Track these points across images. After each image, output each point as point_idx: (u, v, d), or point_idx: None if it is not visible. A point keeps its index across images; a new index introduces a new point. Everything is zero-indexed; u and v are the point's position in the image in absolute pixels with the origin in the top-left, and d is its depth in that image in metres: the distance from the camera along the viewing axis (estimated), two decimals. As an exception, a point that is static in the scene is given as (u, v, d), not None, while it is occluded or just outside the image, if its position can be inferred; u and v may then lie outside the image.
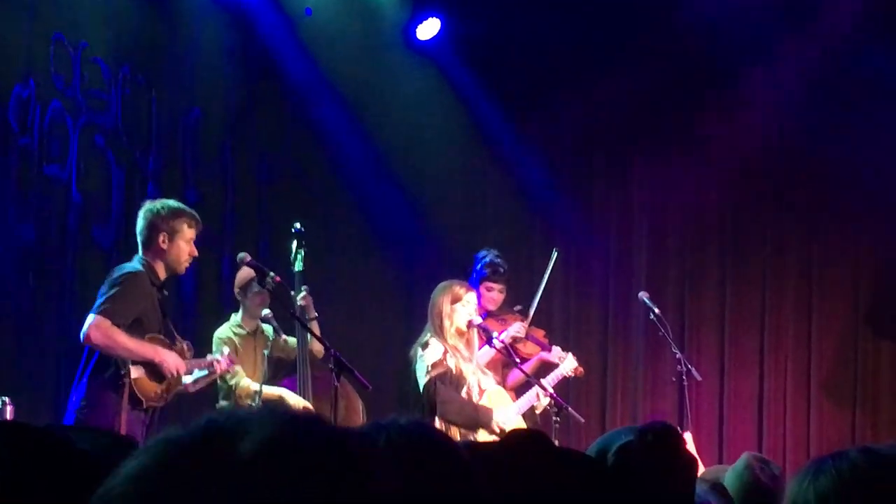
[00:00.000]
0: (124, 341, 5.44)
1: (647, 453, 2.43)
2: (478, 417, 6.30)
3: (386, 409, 7.75)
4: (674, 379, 7.33)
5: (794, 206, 8.78)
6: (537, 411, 6.75)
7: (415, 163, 8.84)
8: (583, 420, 6.55)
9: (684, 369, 7.11)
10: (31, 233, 6.89)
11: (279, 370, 6.53)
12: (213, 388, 6.59)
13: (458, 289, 6.49)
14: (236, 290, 6.70)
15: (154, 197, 7.42)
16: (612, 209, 9.03)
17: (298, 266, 6.47)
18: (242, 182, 8.23)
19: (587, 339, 8.85)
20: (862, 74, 8.37)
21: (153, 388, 5.57)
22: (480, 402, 6.49)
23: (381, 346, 8.36)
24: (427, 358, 6.35)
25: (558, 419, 6.24)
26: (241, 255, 5.98)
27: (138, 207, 5.85)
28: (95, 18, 7.19)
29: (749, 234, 8.80)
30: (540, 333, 7.44)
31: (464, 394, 6.44)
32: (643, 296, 7.50)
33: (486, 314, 7.04)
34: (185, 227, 5.67)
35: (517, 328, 7.12)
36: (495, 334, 6.68)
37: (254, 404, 6.30)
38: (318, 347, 6.34)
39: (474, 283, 7.11)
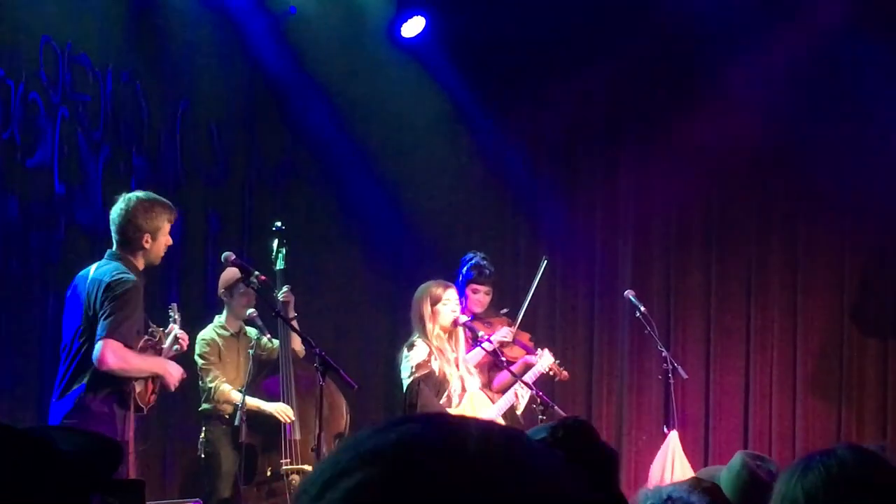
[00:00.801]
0: (138, 363, 5.42)
1: (560, 449, 2.43)
2: None
3: (370, 410, 7.75)
4: (660, 377, 7.33)
5: (779, 203, 8.78)
6: (518, 411, 6.74)
7: (399, 161, 8.82)
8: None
9: (670, 367, 7.12)
10: (16, 224, 6.86)
11: (262, 370, 6.51)
12: (196, 390, 6.58)
13: (436, 289, 6.49)
14: (221, 290, 6.67)
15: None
16: (597, 207, 9.02)
17: (280, 265, 6.46)
18: (226, 180, 8.20)
19: (573, 337, 8.85)
20: (846, 70, 8.38)
21: (150, 392, 5.56)
22: (461, 405, 6.49)
23: (365, 347, 8.36)
24: (412, 358, 6.36)
25: (544, 417, 6.23)
26: (226, 253, 5.96)
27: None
28: (80, 17, 7.15)
29: (734, 231, 8.80)
30: (525, 337, 7.45)
31: (445, 397, 6.44)
32: (629, 294, 7.50)
33: (473, 316, 7.03)
34: (165, 222, 5.56)
35: (504, 333, 7.12)
36: (481, 334, 6.66)
37: (237, 412, 6.29)
38: (299, 347, 6.33)
39: (461, 285, 7.11)
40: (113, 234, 5.55)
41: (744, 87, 8.49)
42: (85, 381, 5.39)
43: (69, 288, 5.62)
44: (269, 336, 6.51)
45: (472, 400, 6.57)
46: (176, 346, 5.72)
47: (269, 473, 6.43)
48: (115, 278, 5.40)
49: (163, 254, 5.63)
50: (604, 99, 8.92)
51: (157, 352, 5.61)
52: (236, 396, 6.39)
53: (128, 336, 5.37)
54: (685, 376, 7.33)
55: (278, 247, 6.52)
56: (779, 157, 8.70)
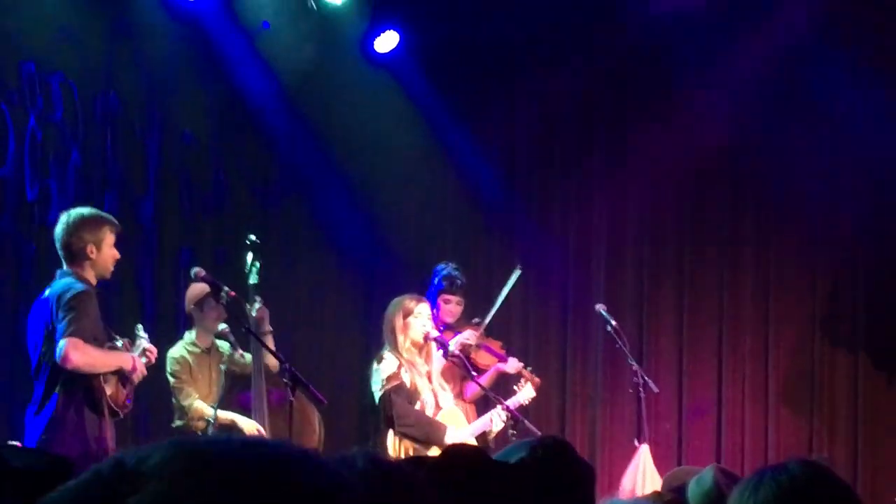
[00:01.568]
0: (101, 356, 5.52)
1: (538, 468, 2.46)
2: (432, 433, 6.28)
3: (344, 423, 7.75)
4: (630, 391, 7.37)
5: (750, 216, 8.83)
6: (490, 436, 6.75)
7: (373, 175, 8.84)
8: (539, 433, 6.54)
9: (641, 381, 7.15)
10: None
11: (234, 385, 6.50)
12: (168, 406, 6.57)
13: (409, 302, 6.49)
14: (190, 306, 6.64)
15: (111, 207, 7.42)
16: (570, 220, 9.05)
17: (253, 279, 6.43)
18: (199, 194, 8.20)
19: (546, 350, 8.87)
20: (814, 77, 8.43)
21: (123, 395, 5.63)
22: (436, 418, 6.49)
23: (339, 361, 8.36)
24: (382, 371, 6.36)
25: (514, 432, 6.25)
26: (195, 269, 5.96)
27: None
28: (48, 33, 7.16)
29: (705, 243, 8.85)
30: (496, 344, 7.46)
31: (417, 408, 6.43)
32: (600, 308, 7.53)
33: (445, 327, 7.04)
34: (108, 234, 5.68)
35: (467, 335, 7.14)
36: (451, 348, 6.67)
37: (209, 427, 6.28)
38: (273, 362, 6.32)
39: (432, 296, 7.13)
40: (59, 252, 5.67)
41: (714, 97, 8.55)
42: (56, 391, 5.47)
43: (30, 313, 5.72)
44: (241, 351, 6.51)
45: (446, 417, 6.58)
46: (144, 359, 5.79)
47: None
48: (64, 289, 5.53)
49: (111, 267, 5.73)
50: (576, 112, 8.97)
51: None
52: (209, 412, 6.38)
53: (88, 335, 5.45)
54: (655, 390, 7.36)
55: (252, 261, 6.50)
56: (749, 171, 8.76)
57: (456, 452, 2.38)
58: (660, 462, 7.47)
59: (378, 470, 1.44)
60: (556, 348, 8.93)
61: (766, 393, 8.67)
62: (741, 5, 8.52)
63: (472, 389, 7.16)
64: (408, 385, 6.39)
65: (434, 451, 6.16)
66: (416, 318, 6.44)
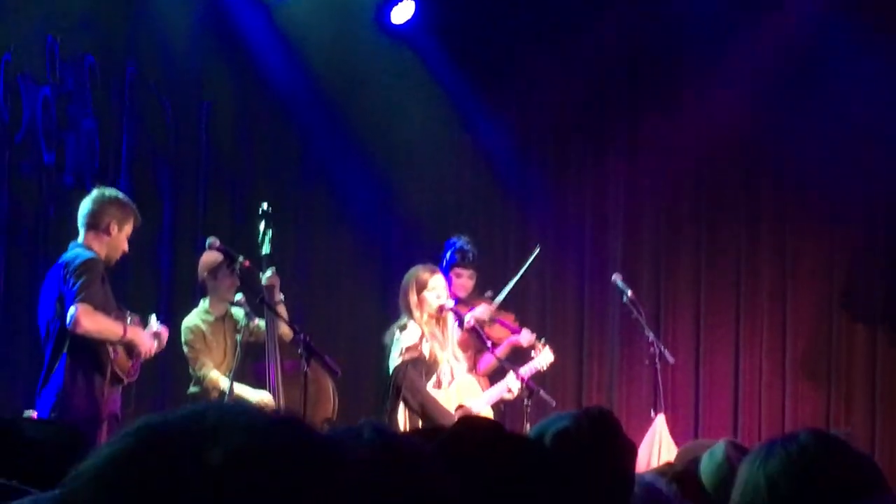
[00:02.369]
0: (109, 324, 5.57)
1: (582, 439, 2.43)
2: (437, 417, 6.20)
3: (360, 393, 7.77)
4: (647, 362, 7.35)
5: (768, 188, 8.80)
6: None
7: (389, 147, 8.83)
8: (554, 403, 6.54)
9: (657, 352, 7.14)
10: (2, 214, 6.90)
11: (248, 355, 6.51)
12: (185, 372, 6.60)
13: (423, 274, 6.47)
14: (204, 273, 6.64)
15: (128, 181, 7.46)
16: (586, 192, 9.03)
17: (266, 248, 6.43)
18: (216, 165, 8.22)
19: (562, 322, 8.86)
20: (830, 58, 8.39)
21: (128, 364, 5.69)
22: (450, 391, 6.48)
23: (356, 331, 8.37)
24: (403, 340, 6.33)
25: (529, 403, 6.25)
26: (211, 239, 5.98)
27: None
28: (68, 9, 7.16)
29: (723, 216, 8.82)
30: (510, 318, 7.44)
31: (433, 380, 6.42)
32: (616, 278, 7.51)
33: (457, 300, 7.03)
34: (131, 220, 5.79)
35: (481, 310, 7.12)
36: (467, 318, 6.65)
37: (224, 398, 6.30)
38: (286, 331, 6.33)
39: (444, 269, 7.11)
40: (80, 222, 5.74)
41: (731, 75, 8.53)
42: (63, 353, 5.54)
43: (43, 283, 5.79)
44: (256, 321, 6.52)
45: (461, 388, 6.57)
46: (155, 342, 5.87)
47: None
48: (73, 257, 5.62)
49: (119, 254, 5.80)
50: (592, 85, 8.93)
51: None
52: (224, 383, 6.40)
53: (97, 301, 5.51)
54: (671, 361, 7.35)
55: (264, 230, 6.50)
56: (767, 141, 8.72)
57: (469, 425, 2.36)
58: (677, 433, 7.47)
59: (384, 441, 1.43)
60: (572, 319, 8.92)
61: (784, 366, 8.66)
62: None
63: (486, 362, 7.16)
64: (426, 356, 6.38)
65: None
66: (431, 292, 6.43)
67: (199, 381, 6.49)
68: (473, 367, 7.11)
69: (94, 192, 5.80)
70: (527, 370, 6.75)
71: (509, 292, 7.58)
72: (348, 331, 8.42)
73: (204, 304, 6.65)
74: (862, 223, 8.62)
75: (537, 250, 7.67)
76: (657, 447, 6.78)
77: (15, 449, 2.15)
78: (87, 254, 5.62)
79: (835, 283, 8.68)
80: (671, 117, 8.68)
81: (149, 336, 5.75)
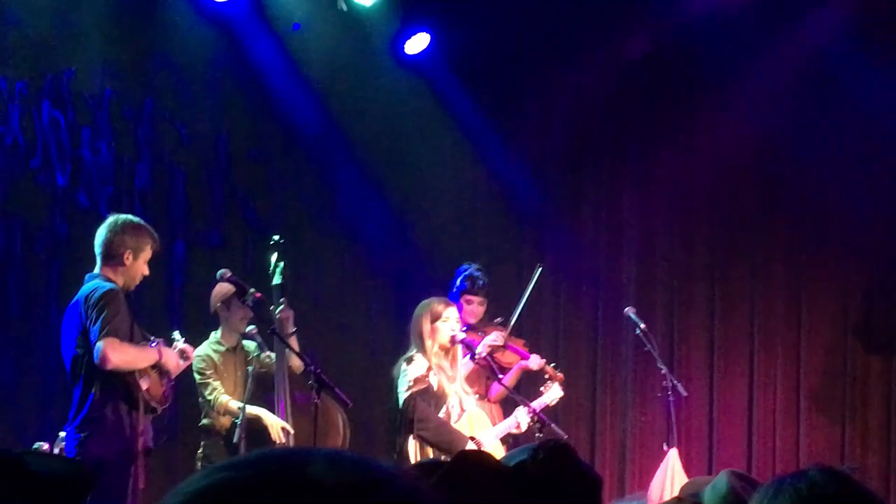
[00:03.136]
0: (137, 353, 5.57)
1: (539, 471, 2.45)
2: (452, 441, 6.20)
3: (371, 425, 7.75)
4: (659, 395, 7.32)
5: (783, 220, 8.76)
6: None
7: (403, 176, 8.84)
8: (565, 436, 6.51)
9: (670, 384, 7.11)
10: (16, 240, 6.94)
11: (259, 387, 6.49)
12: (196, 404, 6.59)
13: (438, 306, 6.47)
14: (217, 304, 6.65)
15: (142, 210, 7.49)
16: (600, 223, 9.02)
17: (277, 279, 6.44)
18: (230, 197, 8.24)
19: (575, 354, 8.83)
20: (847, 83, 8.37)
21: (160, 390, 5.66)
22: (460, 423, 6.46)
23: (367, 363, 8.35)
24: (410, 373, 6.33)
25: (541, 435, 6.22)
26: (222, 271, 5.98)
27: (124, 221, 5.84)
28: (83, 40, 7.22)
29: (737, 246, 8.79)
30: (520, 343, 7.45)
31: (443, 413, 6.41)
32: (629, 311, 7.50)
33: (468, 327, 7.03)
34: (147, 246, 5.76)
35: (494, 337, 7.13)
36: (479, 350, 6.65)
37: (237, 421, 6.29)
38: (297, 363, 6.33)
39: (455, 296, 7.13)
40: (97, 251, 5.74)
41: (747, 103, 8.51)
42: (93, 391, 5.51)
43: (63, 319, 5.77)
44: (268, 352, 6.52)
45: (472, 420, 6.56)
46: (182, 363, 5.86)
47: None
48: (92, 290, 5.60)
49: (138, 280, 5.79)
50: (606, 114, 8.92)
51: None
52: (234, 408, 6.39)
53: (122, 333, 5.50)
54: (684, 393, 7.32)
55: (276, 261, 6.51)
56: (782, 172, 8.70)
57: (465, 459, 2.38)
58: (690, 467, 7.43)
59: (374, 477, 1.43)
60: (585, 351, 8.89)
61: (798, 399, 8.60)
62: (772, 9, 8.44)
63: (498, 389, 7.15)
64: (435, 388, 6.37)
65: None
66: (445, 323, 6.43)
67: (209, 411, 6.48)
68: (485, 395, 7.10)
69: (109, 220, 5.77)
70: (536, 405, 6.73)
71: (519, 317, 7.57)
72: (359, 361, 8.40)
73: (216, 335, 6.65)
74: (877, 255, 8.58)
75: (539, 269, 7.65)
76: (670, 481, 6.74)
77: (21, 483, 2.14)
78: (105, 286, 5.60)
79: (849, 316, 8.63)
80: (686, 147, 8.67)
81: (175, 355, 5.73)
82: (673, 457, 6.90)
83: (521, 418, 6.58)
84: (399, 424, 6.25)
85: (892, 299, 8.57)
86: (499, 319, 7.50)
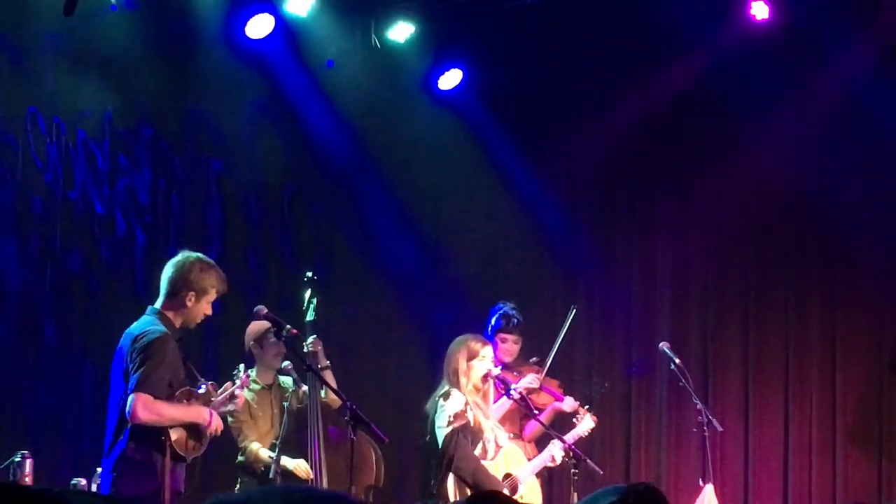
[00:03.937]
0: (171, 413, 5.46)
1: None
2: (487, 486, 6.15)
3: (405, 460, 7.75)
4: (694, 430, 7.29)
5: (816, 255, 8.72)
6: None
7: (436, 212, 8.88)
8: (601, 472, 6.50)
9: (705, 420, 7.08)
10: (51, 279, 7.00)
11: (298, 421, 6.48)
12: (233, 442, 6.59)
13: (474, 344, 6.46)
14: (251, 342, 6.66)
15: (175, 249, 7.53)
16: (634, 258, 9.01)
17: (310, 315, 6.45)
18: (263, 233, 8.29)
19: (611, 388, 8.79)
20: (879, 119, 8.34)
21: (192, 444, 5.57)
22: (497, 459, 6.44)
23: (400, 397, 8.36)
24: (449, 408, 6.29)
25: (577, 471, 6.20)
26: (258, 307, 5.97)
27: (158, 260, 5.81)
28: (121, 84, 7.32)
29: (771, 282, 8.75)
30: (554, 384, 7.44)
31: (479, 448, 6.38)
32: (664, 346, 7.49)
33: (503, 366, 7.02)
34: (213, 290, 5.61)
35: (530, 380, 7.12)
36: (513, 387, 6.64)
37: (272, 467, 6.27)
38: (333, 398, 6.33)
39: (490, 335, 7.13)
40: (161, 286, 5.63)
41: (778, 138, 8.49)
42: (125, 433, 5.47)
43: (117, 348, 5.70)
44: (304, 388, 6.52)
45: (507, 456, 6.53)
46: (231, 406, 5.80)
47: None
48: (142, 331, 5.50)
49: (200, 320, 5.68)
50: (640, 151, 8.93)
51: (206, 404, 5.63)
52: (264, 455, 6.38)
53: (157, 387, 5.42)
54: (720, 429, 7.28)
55: (310, 297, 6.53)
56: (815, 204, 8.65)
57: (483, 499, 2.38)
58: (726, 502, 7.38)
59: None
60: (620, 387, 8.86)
61: (834, 432, 8.53)
62: (803, 47, 8.44)
63: (531, 428, 7.14)
64: (471, 424, 6.35)
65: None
66: (481, 362, 6.42)
67: (244, 452, 6.50)
68: (519, 434, 7.08)
69: (179, 257, 5.63)
70: (569, 437, 6.73)
71: (555, 357, 7.56)
72: (393, 397, 8.41)
73: (251, 373, 6.65)
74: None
75: (573, 311, 7.65)
76: (706, 517, 6.71)
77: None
78: (156, 332, 5.48)
79: (885, 349, 8.56)
80: (718, 184, 8.66)
81: (208, 412, 5.57)
82: (709, 493, 6.86)
83: (555, 452, 6.56)
84: (438, 461, 6.20)
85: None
86: (534, 359, 7.49)
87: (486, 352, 6.45)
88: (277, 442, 6.32)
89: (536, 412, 6.79)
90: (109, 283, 7.32)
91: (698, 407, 7.16)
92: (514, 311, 7.30)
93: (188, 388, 5.61)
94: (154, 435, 5.45)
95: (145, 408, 5.35)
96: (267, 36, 7.87)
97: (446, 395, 6.35)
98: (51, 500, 2.28)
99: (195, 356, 7.38)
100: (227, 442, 6.69)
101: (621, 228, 9.06)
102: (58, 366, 7.02)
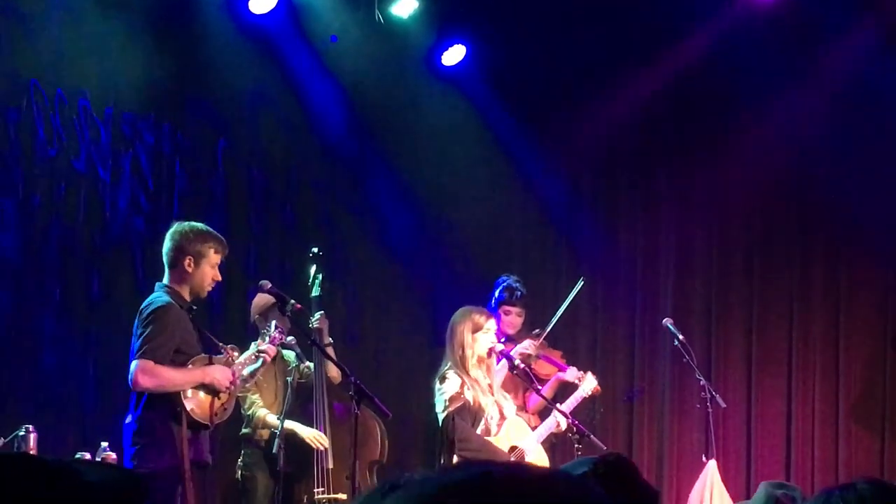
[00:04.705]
0: (172, 376, 5.45)
1: (600, 485, 2.45)
2: (496, 458, 6.17)
3: (409, 435, 7.76)
4: (698, 406, 7.30)
5: (820, 232, 8.73)
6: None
7: (439, 188, 8.86)
8: (604, 448, 6.50)
9: (708, 396, 7.09)
10: (53, 250, 6.99)
11: (299, 397, 6.51)
12: (237, 413, 6.60)
13: (478, 317, 6.46)
14: (255, 316, 6.68)
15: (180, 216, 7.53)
16: (637, 234, 9.01)
17: (316, 291, 6.47)
18: (266, 208, 8.28)
19: (613, 365, 8.82)
20: (884, 101, 8.34)
21: (214, 405, 5.57)
22: (501, 431, 6.45)
23: (404, 372, 8.37)
24: (445, 391, 6.31)
25: (580, 447, 6.21)
26: (263, 282, 5.97)
27: (162, 242, 5.81)
28: (117, 59, 7.29)
29: (775, 259, 8.76)
30: (556, 354, 7.45)
31: (482, 425, 6.39)
32: (667, 322, 7.49)
33: (506, 338, 7.04)
34: (211, 251, 5.63)
35: (525, 345, 7.13)
36: (517, 362, 6.64)
37: (276, 431, 6.30)
38: (335, 373, 6.35)
39: (493, 307, 7.13)
40: (163, 262, 5.67)
41: (782, 119, 8.50)
42: (142, 402, 5.48)
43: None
44: (307, 363, 6.54)
45: (511, 427, 6.54)
46: (258, 364, 5.79)
47: (304, 502, 6.44)
48: (146, 304, 5.55)
49: (208, 286, 5.68)
50: (644, 126, 8.92)
51: (228, 366, 5.65)
52: (273, 421, 6.41)
53: (158, 353, 5.42)
54: (723, 405, 7.30)
55: (315, 273, 6.53)
56: (818, 184, 8.66)
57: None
58: (729, 479, 7.40)
59: None
60: (623, 364, 8.87)
61: (837, 409, 8.56)
62: (807, 28, 8.43)
63: (535, 400, 7.15)
64: (471, 402, 6.35)
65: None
66: (485, 334, 6.42)
67: (249, 423, 6.52)
68: (522, 406, 7.10)
69: (172, 228, 5.68)
70: (573, 400, 6.78)
71: (559, 329, 7.57)
72: (396, 372, 8.42)
73: (254, 346, 6.67)
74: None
75: (581, 283, 7.65)
76: (709, 493, 6.72)
77: (78, 494, 2.16)
78: (161, 301, 5.52)
79: (888, 326, 8.58)
80: (722, 159, 8.65)
81: (223, 371, 5.58)
82: (712, 468, 6.87)
83: (559, 417, 6.56)
84: (440, 445, 6.22)
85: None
86: (537, 331, 7.50)
87: (490, 324, 6.46)
88: (281, 416, 6.33)
89: (539, 385, 6.80)
90: (112, 258, 7.31)
91: (702, 383, 7.17)
92: (517, 284, 7.31)
93: (205, 355, 5.62)
94: (168, 405, 5.45)
95: (145, 373, 5.36)
96: (270, 11, 7.84)
97: (442, 378, 6.37)
98: (67, 471, 2.29)
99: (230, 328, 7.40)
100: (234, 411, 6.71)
101: (624, 203, 9.06)
102: (61, 339, 7.02)
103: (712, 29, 8.38)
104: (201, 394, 5.53)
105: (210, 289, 5.74)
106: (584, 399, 6.95)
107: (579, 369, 7.19)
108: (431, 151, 8.81)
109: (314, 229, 8.29)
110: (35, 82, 6.99)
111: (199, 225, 5.73)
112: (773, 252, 8.77)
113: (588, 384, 6.95)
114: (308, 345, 6.25)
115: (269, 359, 5.88)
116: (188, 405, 5.47)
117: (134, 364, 5.38)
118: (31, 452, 5.86)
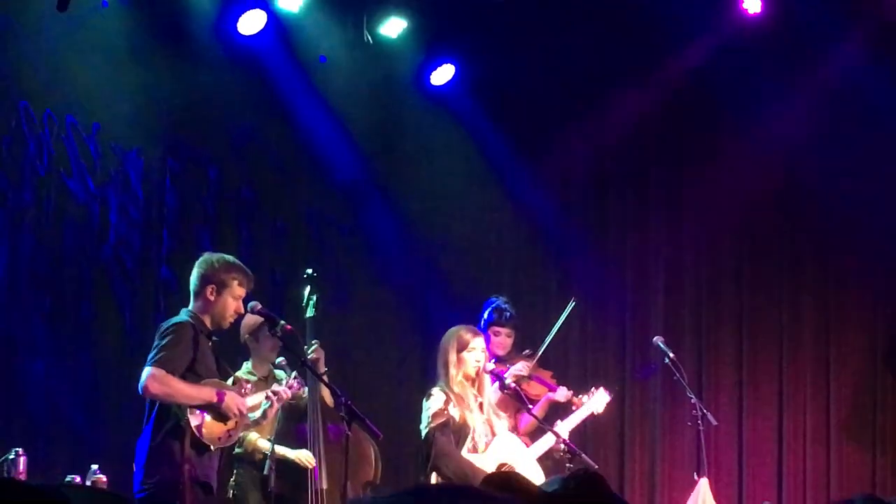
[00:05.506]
0: (181, 388, 5.49)
1: (572, 500, 2.49)
2: (475, 477, 6.12)
3: (401, 456, 7.74)
4: (689, 424, 7.30)
5: (810, 248, 8.76)
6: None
7: (429, 207, 8.86)
8: (595, 466, 6.49)
9: (700, 414, 7.09)
10: (44, 266, 6.99)
11: (291, 418, 6.51)
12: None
13: (465, 335, 6.45)
14: (245, 336, 6.69)
15: (169, 245, 7.54)
16: (627, 252, 9.02)
17: (310, 311, 6.47)
18: (258, 230, 8.27)
19: (604, 383, 8.79)
20: (872, 114, 8.38)
21: (219, 430, 5.61)
22: (492, 449, 6.43)
23: (396, 393, 8.36)
24: (429, 408, 6.32)
25: (571, 465, 6.20)
26: (252, 303, 5.98)
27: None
28: (107, 78, 7.30)
29: (765, 275, 8.78)
30: (547, 374, 7.45)
31: (469, 443, 6.37)
32: (658, 340, 7.49)
33: (497, 359, 7.04)
34: (234, 283, 5.72)
35: (520, 367, 7.14)
36: (508, 381, 6.63)
37: (266, 459, 6.30)
38: (327, 395, 6.34)
39: (483, 328, 7.14)
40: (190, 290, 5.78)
41: (772, 130, 8.53)
42: (151, 418, 5.53)
43: None
44: (298, 380, 6.52)
45: (502, 445, 6.51)
46: (266, 403, 5.96)
47: (298, 522, 6.43)
48: (165, 321, 5.69)
49: (230, 317, 5.76)
50: (633, 143, 8.95)
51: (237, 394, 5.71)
52: (263, 445, 6.41)
53: (171, 365, 5.48)
54: (714, 423, 7.29)
55: (309, 294, 6.54)
56: (808, 197, 8.69)
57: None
58: (720, 496, 7.40)
59: None
60: (614, 381, 8.85)
61: (828, 427, 8.57)
62: (795, 40, 8.46)
63: (527, 421, 7.14)
64: (457, 419, 6.34)
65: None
66: (471, 353, 6.41)
67: (243, 442, 6.51)
68: (514, 427, 7.08)
69: (201, 258, 5.82)
70: (581, 414, 6.84)
71: (548, 349, 7.58)
72: (388, 393, 8.41)
73: (247, 365, 6.69)
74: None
75: (572, 303, 7.66)
76: (700, 511, 6.72)
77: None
78: (178, 318, 5.65)
79: (879, 343, 8.59)
80: (711, 177, 8.67)
81: (234, 395, 5.62)
82: (704, 486, 6.87)
83: (551, 437, 6.55)
84: (421, 460, 6.24)
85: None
86: (527, 351, 7.51)
87: (477, 343, 6.44)
88: (272, 438, 6.33)
89: (530, 405, 6.80)
90: (102, 279, 7.30)
91: (693, 401, 7.17)
92: (506, 305, 7.32)
93: (219, 380, 5.69)
94: (174, 420, 5.48)
95: (155, 380, 5.42)
96: (259, 32, 7.85)
97: (427, 396, 6.39)
98: (51, 496, 2.28)
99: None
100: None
101: (614, 222, 9.07)
102: (51, 360, 7.00)
103: (701, 46, 8.42)
104: (209, 416, 5.55)
105: (232, 320, 5.83)
106: (593, 415, 6.99)
107: (569, 389, 7.20)
108: (420, 170, 8.82)
109: (303, 248, 8.28)
110: (25, 104, 7.00)
111: (228, 257, 5.85)
112: (762, 269, 8.79)
113: (599, 398, 6.99)
114: (299, 365, 6.25)
115: (276, 405, 6.02)
116: (193, 421, 5.50)
117: (146, 371, 5.45)
118: (21, 476, 5.85)
